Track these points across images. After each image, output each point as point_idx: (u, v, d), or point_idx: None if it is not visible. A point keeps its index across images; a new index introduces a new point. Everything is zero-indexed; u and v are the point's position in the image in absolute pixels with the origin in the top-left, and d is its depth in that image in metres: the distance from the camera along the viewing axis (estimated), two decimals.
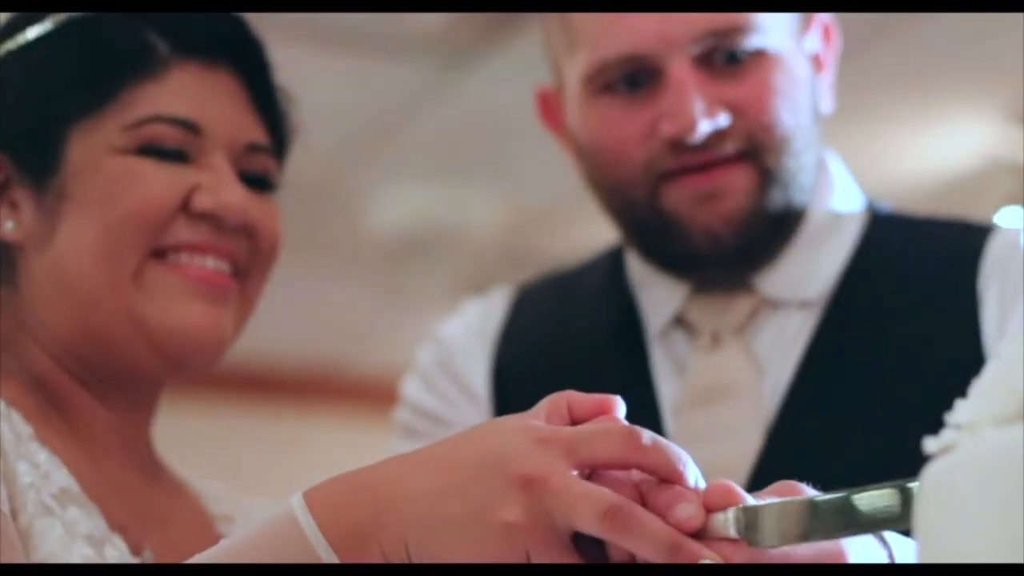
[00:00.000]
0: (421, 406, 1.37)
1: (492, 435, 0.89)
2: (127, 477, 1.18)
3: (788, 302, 1.31)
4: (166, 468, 1.26)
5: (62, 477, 1.08)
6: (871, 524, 0.85)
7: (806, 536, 0.85)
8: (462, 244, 4.91)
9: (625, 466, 0.88)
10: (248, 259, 1.19)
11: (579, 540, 0.87)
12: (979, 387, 0.69)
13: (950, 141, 4.38)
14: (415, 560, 0.88)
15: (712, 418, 1.28)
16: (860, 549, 0.89)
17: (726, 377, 1.29)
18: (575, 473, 0.86)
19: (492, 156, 4.41)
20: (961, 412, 0.69)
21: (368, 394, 4.48)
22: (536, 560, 0.86)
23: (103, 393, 1.17)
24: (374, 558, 0.88)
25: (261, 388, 5.09)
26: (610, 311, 1.37)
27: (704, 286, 1.34)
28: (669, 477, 0.88)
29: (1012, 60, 3.52)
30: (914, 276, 1.31)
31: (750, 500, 0.87)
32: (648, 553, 0.85)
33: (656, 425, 1.28)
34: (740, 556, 0.84)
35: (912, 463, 1.15)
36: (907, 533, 0.88)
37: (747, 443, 1.26)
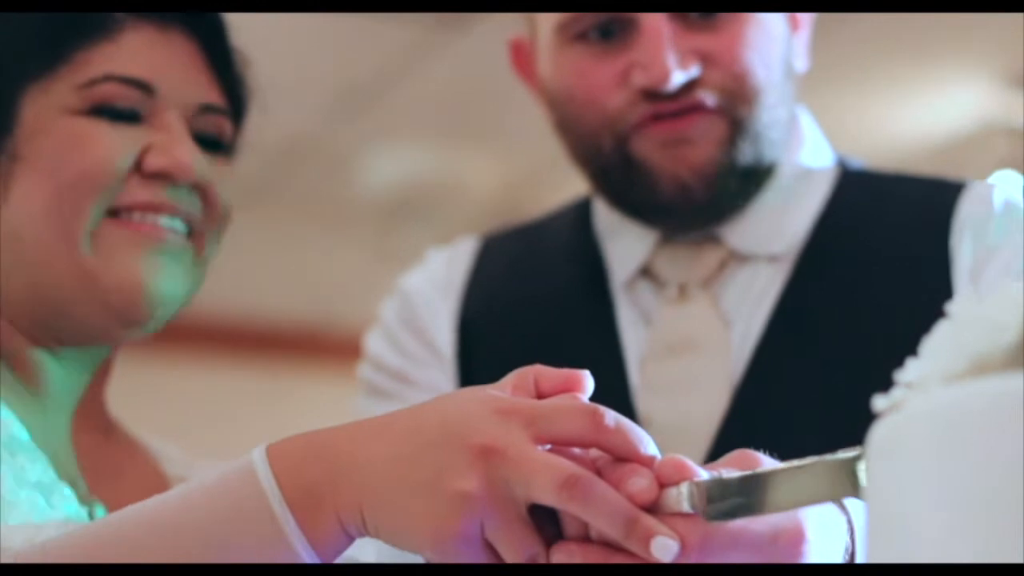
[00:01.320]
0: (385, 363, 1.36)
1: (453, 405, 0.89)
2: (80, 434, 1.19)
3: (756, 256, 1.30)
4: (121, 428, 1.27)
5: (12, 425, 1.08)
6: (823, 495, 0.85)
7: (758, 509, 0.84)
8: (454, 203, 4.90)
9: (586, 444, 0.88)
10: (201, 220, 1.19)
11: (534, 514, 0.87)
12: (929, 346, 0.69)
13: (944, 104, 4.37)
14: (369, 525, 0.88)
15: (678, 371, 1.28)
16: (818, 517, 0.89)
17: (693, 330, 1.28)
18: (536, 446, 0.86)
19: (485, 115, 4.40)
20: (910, 371, 0.69)
21: (357, 352, 4.49)
22: (489, 531, 0.86)
23: (57, 352, 1.18)
24: (328, 519, 0.88)
25: (251, 345, 5.09)
26: (576, 262, 1.36)
27: (671, 237, 1.33)
28: (629, 459, 0.87)
29: (1007, 22, 3.51)
30: (885, 232, 1.31)
31: (703, 474, 0.86)
32: (604, 525, 0.85)
33: (621, 377, 1.28)
34: (694, 532, 0.84)
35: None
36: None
37: (714, 397, 1.25)
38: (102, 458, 1.20)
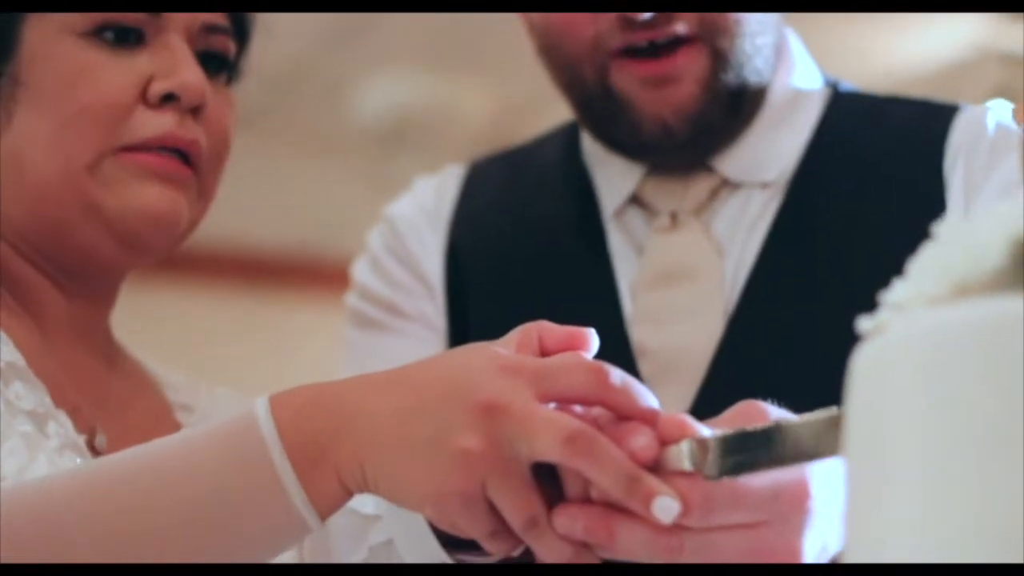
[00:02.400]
0: (373, 293, 1.36)
1: (458, 361, 0.89)
2: (83, 362, 1.19)
3: (748, 183, 1.30)
4: (126, 355, 1.27)
5: (8, 352, 1.08)
6: (825, 452, 0.85)
7: (760, 465, 0.84)
8: (449, 131, 4.88)
9: (590, 402, 0.88)
10: (206, 148, 1.19)
11: (535, 476, 0.87)
12: (913, 268, 0.70)
13: (938, 31, 4.35)
14: (369, 481, 0.88)
15: (672, 300, 1.27)
16: (824, 473, 0.88)
17: (685, 258, 1.28)
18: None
19: (481, 43, 4.38)
20: (895, 292, 0.70)
21: (349, 281, 4.48)
22: (491, 490, 0.85)
23: (60, 280, 1.18)
24: (328, 473, 0.88)
25: (243, 273, 5.09)
26: (565, 190, 1.35)
27: (660, 167, 1.33)
28: (632, 417, 0.87)
29: None
30: (878, 156, 1.30)
31: (704, 431, 0.86)
32: (607, 483, 0.84)
33: (614, 306, 1.28)
34: (696, 491, 0.84)
35: None
36: None
37: (708, 326, 1.25)
38: (105, 386, 1.20)
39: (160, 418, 1.23)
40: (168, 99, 1.16)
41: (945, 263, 0.67)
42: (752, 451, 0.84)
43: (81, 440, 1.10)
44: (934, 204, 1.24)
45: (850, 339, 1.18)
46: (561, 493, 0.88)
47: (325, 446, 0.88)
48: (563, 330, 0.93)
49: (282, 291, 5.13)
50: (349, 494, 0.90)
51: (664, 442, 0.86)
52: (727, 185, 1.30)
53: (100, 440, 1.14)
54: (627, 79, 1.27)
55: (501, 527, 0.87)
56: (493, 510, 0.87)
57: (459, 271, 1.35)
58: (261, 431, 0.88)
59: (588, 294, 1.29)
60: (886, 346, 0.67)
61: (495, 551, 0.92)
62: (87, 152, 1.13)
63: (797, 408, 1.19)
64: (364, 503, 1.07)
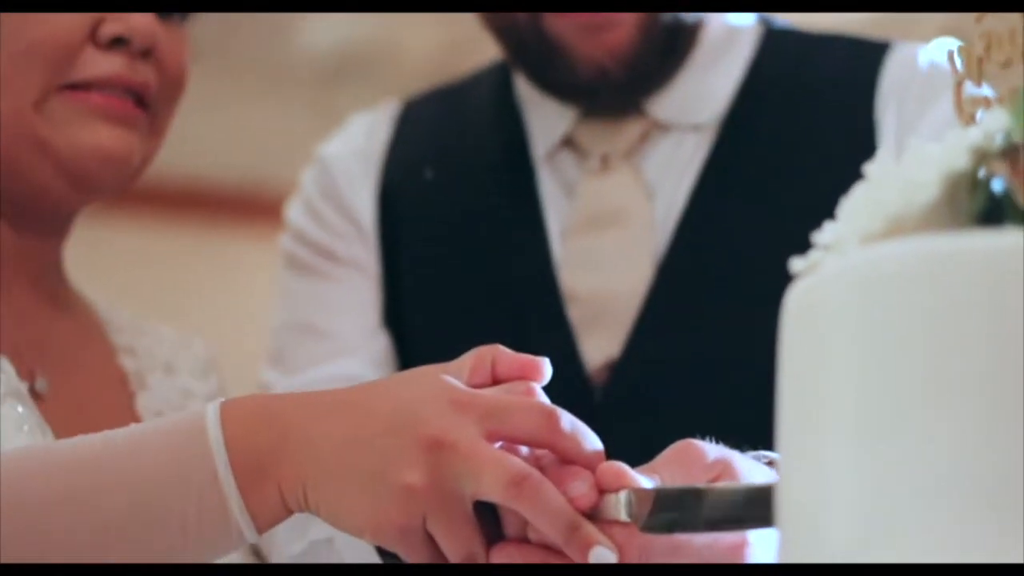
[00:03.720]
0: (306, 236, 1.33)
1: (409, 390, 0.88)
2: (29, 304, 1.17)
3: (680, 125, 1.28)
4: (75, 295, 1.25)
5: None
6: (764, 520, 0.83)
7: (694, 526, 0.85)
8: (394, 64, 4.85)
9: (538, 445, 0.88)
10: (156, 91, 1.17)
11: (475, 510, 0.87)
12: (846, 207, 0.69)
13: None
14: (310, 503, 0.88)
15: (601, 244, 1.25)
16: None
17: (615, 202, 1.26)
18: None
19: None
20: (828, 232, 0.69)
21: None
22: (431, 525, 0.86)
23: (10, 219, 1.16)
24: (270, 490, 0.88)
25: (186, 206, 5.05)
26: (497, 131, 1.33)
27: (593, 110, 1.30)
28: (580, 463, 0.87)
29: None
30: (809, 97, 1.28)
31: (643, 482, 0.86)
32: (546, 528, 0.85)
33: (543, 251, 1.26)
34: (633, 541, 0.85)
35: None
36: None
37: (638, 270, 1.23)
38: (49, 328, 1.18)
39: (103, 363, 1.22)
40: (118, 42, 1.14)
41: (879, 201, 0.67)
42: (686, 511, 0.84)
43: (24, 388, 1.09)
44: (866, 144, 1.23)
45: (781, 281, 1.18)
46: (500, 529, 0.88)
47: (269, 464, 0.88)
48: (517, 358, 0.92)
49: (226, 224, 5.09)
50: (289, 511, 0.90)
51: (602, 490, 0.86)
52: (659, 127, 1.28)
53: (41, 384, 1.12)
54: (562, 24, 1.24)
55: (439, 557, 0.88)
56: (432, 541, 0.87)
57: (391, 214, 1.32)
58: (209, 441, 0.88)
59: (517, 238, 1.28)
60: (820, 284, 0.67)
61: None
62: (33, 88, 1.12)
63: (731, 361, 1.19)
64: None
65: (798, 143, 1.25)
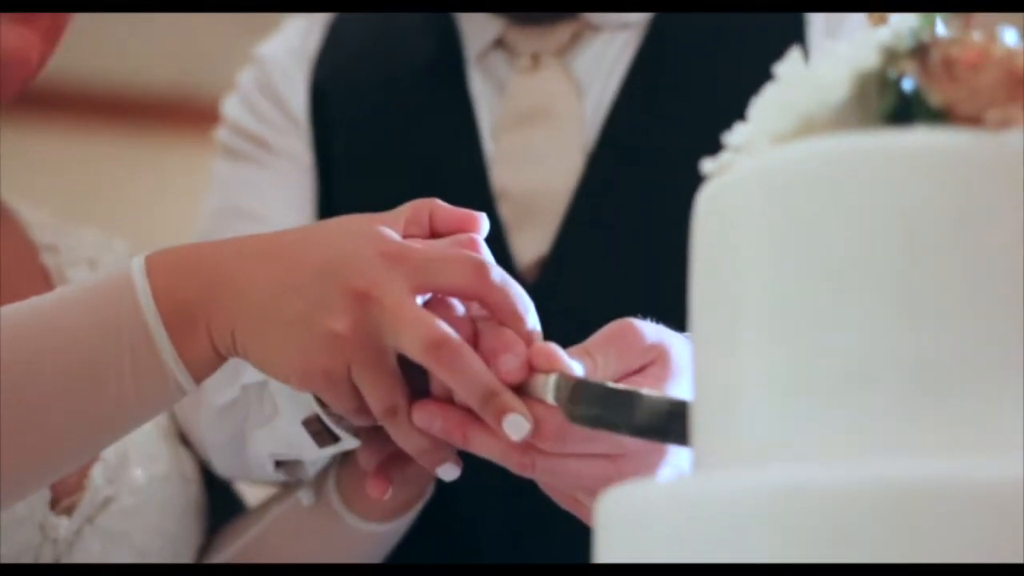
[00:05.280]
0: (243, 128, 1.33)
1: (340, 238, 0.88)
2: None
3: (610, 24, 1.27)
4: None
5: None
6: (685, 438, 0.83)
7: (618, 429, 0.85)
8: None
9: (468, 297, 0.88)
10: None
11: (404, 366, 0.88)
12: (756, 108, 0.69)
13: None
14: (239, 348, 0.88)
15: (532, 140, 1.25)
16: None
17: (545, 98, 1.25)
18: (416, 297, 0.86)
19: None
20: (738, 133, 0.69)
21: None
22: (356, 372, 0.86)
23: None
24: (201, 338, 0.88)
25: (114, 112, 4.99)
26: (430, 32, 1.32)
27: (526, 17, 1.29)
28: (508, 319, 0.88)
29: None
30: None
31: (576, 368, 0.86)
32: (463, 392, 0.86)
33: (475, 148, 1.26)
34: (552, 420, 0.85)
35: None
36: None
37: (568, 166, 1.23)
38: None
39: (25, 262, 1.20)
40: None
41: (789, 102, 0.67)
42: (611, 411, 0.84)
43: None
44: (794, 43, 1.22)
45: (704, 178, 1.18)
46: (427, 386, 0.89)
47: (198, 312, 0.88)
48: (454, 211, 0.93)
49: (155, 130, 5.04)
50: (222, 358, 0.90)
51: (533, 369, 0.86)
52: (589, 27, 1.28)
53: None
54: None
55: (364, 407, 0.89)
56: (357, 391, 0.88)
57: (324, 110, 1.32)
58: (136, 295, 0.88)
59: (449, 135, 1.27)
60: (730, 185, 0.67)
61: (360, 424, 0.93)
62: None
63: (663, 252, 1.19)
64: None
65: (726, 41, 1.25)
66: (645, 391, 0.85)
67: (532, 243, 1.22)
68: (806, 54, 1.20)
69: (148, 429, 1.14)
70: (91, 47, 4.19)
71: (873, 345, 0.62)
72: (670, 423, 0.83)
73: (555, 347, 0.87)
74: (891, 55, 0.66)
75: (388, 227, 0.89)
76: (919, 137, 0.63)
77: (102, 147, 4.90)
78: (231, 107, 1.36)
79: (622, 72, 1.25)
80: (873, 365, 0.62)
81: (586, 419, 0.84)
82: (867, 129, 0.65)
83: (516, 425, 0.85)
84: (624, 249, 1.21)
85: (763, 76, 1.23)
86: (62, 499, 1.08)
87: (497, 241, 1.20)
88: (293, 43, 1.37)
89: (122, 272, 0.89)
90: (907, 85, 0.66)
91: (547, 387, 0.85)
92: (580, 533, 1.19)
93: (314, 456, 1.05)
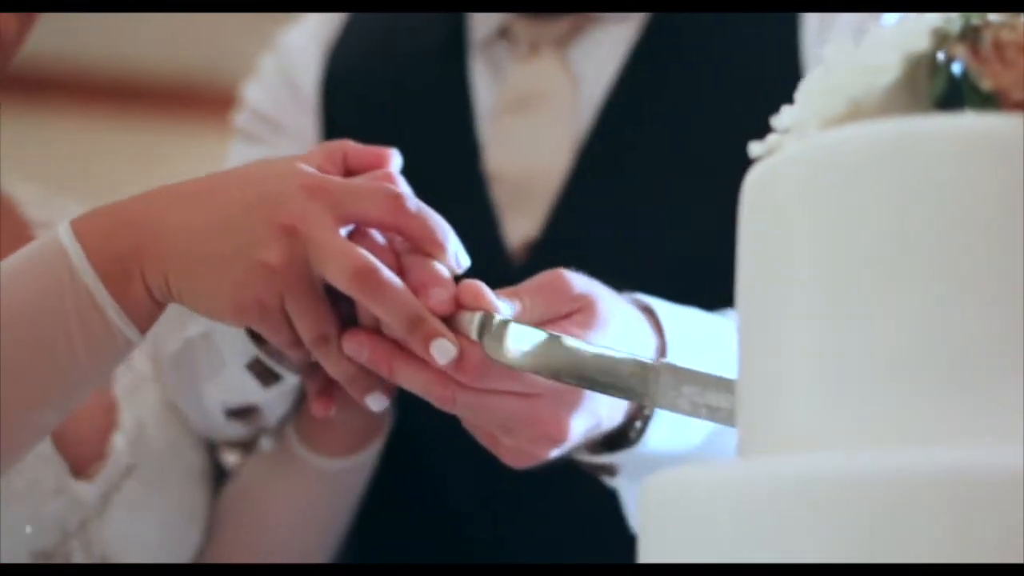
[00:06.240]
0: (259, 110, 1.35)
1: (262, 177, 0.91)
2: None
3: (610, 16, 1.27)
4: None
5: None
6: (603, 386, 0.88)
7: (537, 371, 0.87)
8: None
9: (387, 227, 0.91)
10: None
11: (334, 298, 0.90)
12: (803, 91, 0.69)
13: None
14: (174, 291, 0.90)
15: (525, 125, 1.26)
16: (622, 335, 0.91)
17: (541, 85, 1.27)
18: (340, 229, 0.89)
19: None
20: (785, 116, 0.69)
21: (231, 108, 4.39)
22: (288, 302, 0.89)
23: None
24: (137, 287, 0.90)
25: (125, 99, 4.99)
26: (438, 20, 1.34)
27: (530, 11, 1.30)
28: (428, 247, 0.90)
29: None
30: None
31: (503, 307, 0.88)
32: (391, 319, 0.88)
33: (470, 132, 1.27)
34: (474, 353, 0.87)
35: (721, 174, 1.17)
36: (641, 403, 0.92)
37: (559, 151, 1.24)
38: None
39: (19, 240, 1.19)
40: None
41: (838, 84, 0.66)
42: (531, 352, 0.87)
43: None
44: (786, 39, 1.23)
45: (693, 166, 1.18)
46: (355, 316, 0.91)
47: (130, 263, 0.90)
48: (367, 150, 0.96)
49: (165, 117, 5.04)
50: (160, 305, 0.92)
51: (460, 306, 0.88)
52: (590, 19, 1.29)
53: None
54: None
55: (296, 339, 0.91)
56: (290, 322, 0.90)
57: (335, 93, 1.34)
58: (69, 258, 0.90)
59: (445, 118, 1.29)
60: (779, 166, 0.67)
61: (295, 359, 0.95)
62: None
63: (640, 236, 1.21)
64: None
65: (720, 37, 1.26)
66: (566, 337, 0.87)
67: (523, 226, 1.23)
68: (798, 53, 1.23)
69: (160, 399, 1.16)
70: (100, 33, 4.19)
71: (921, 332, 0.62)
72: (586, 370, 0.87)
73: (482, 285, 0.89)
74: (941, 38, 0.65)
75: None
76: (968, 122, 0.63)
77: (111, 134, 4.89)
78: (250, 92, 1.38)
79: (618, 63, 1.26)
80: (920, 352, 0.62)
81: (506, 358, 0.86)
82: (916, 113, 0.65)
83: (443, 349, 0.87)
84: (613, 233, 1.23)
85: (755, 73, 1.24)
86: (85, 467, 1.08)
87: (489, 223, 1.23)
88: (313, 31, 1.40)
89: (52, 239, 0.91)
90: (957, 69, 0.65)
91: (472, 324, 0.87)
92: (562, 515, 1.22)
93: (261, 398, 1.07)
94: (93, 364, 0.92)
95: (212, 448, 1.21)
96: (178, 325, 1.09)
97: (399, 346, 0.89)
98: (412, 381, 0.90)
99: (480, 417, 0.92)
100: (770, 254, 0.67)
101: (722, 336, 0.95)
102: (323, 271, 0.87)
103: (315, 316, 0.89)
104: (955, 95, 0.65)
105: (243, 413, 1.12)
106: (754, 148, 0.69)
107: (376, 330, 0.90)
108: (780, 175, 0.67)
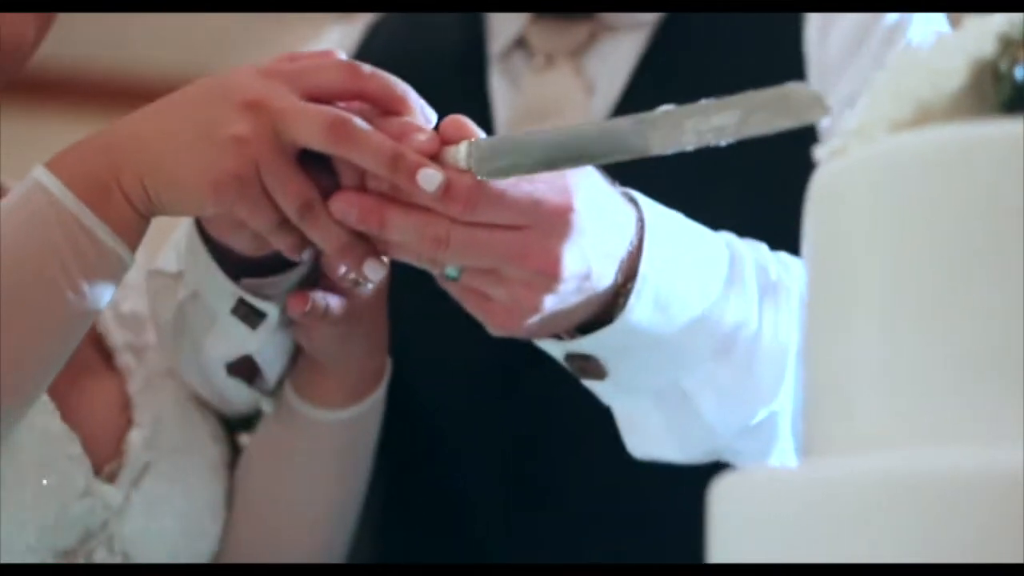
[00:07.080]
0: None
1: (219, 78, 0.94)
2: None
3: (624, 24, 1.29)
4: None
5: None
6: (602, 155, 0.90)
7: (527, 168, 0.88)
8: None
9: (347, 96, 0.93)
10: None
11: (310, 167, 0.91)
12: (869, 95, 0.69)
13: None
14: (152, 196, 0.93)
15: None
16: (593, 198, 0.93)
17: (555, 96, 1.28)
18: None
19: None
20: (852, 118, 0.69)
21: None
22: (264, 172, 0.90)
23: None
24: (118, 202, 0.93)
25: (122, 98, 4.98)
26: (456, 32, 1.36)
27: (547, 12, 1.31)
28: (393, 106, 0.93)
29: None
30: None
31: (482, 135, 0.91)
32: (372, 164, 0.89)
33: None
34: (462, 182, 0.89)
35: (735, 181, 1.17)
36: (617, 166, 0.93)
37: None
38: None
39: None
40: None
41: (905, 88, 0.67)
42: (521, 154, 0.88)
43: None
44: (791, 44, 1.25)
45: (704, 173, 1.19)
46: (335, 177, 0.92)
47: (107, 180, 0.93)
48: (311, 52, 0.99)
49: None
50: (145, 217, 0.95)
51: (445, 142, 0.90)
52: (605, 28, 1.30)
53: None
54: None
55: (284, 218, 0.92)
56: (271, 199, 0.91)
57: None
58: (50, 192, 0.92)
59: None
60: (847, 170, 0.67)
61: (286, 250, 0.95)
62: None
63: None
64: (168, 262, 1.11)
65: (727, 42, 1.27)
66: (548, 128, 0.91)
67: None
68: (801, 59, 1.24)
69: (175, 395, 1.17)
70: (99, 33, 4.18)
71: (987, 333, 0.62)
72: (582, 143, 0.88)
73: (463, 117, 0.92)
74: (1006, 44, 0.66)
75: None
76: None
77: None
78: None
79: (629, 71, 1.27)
80: (987, 353, 0.62)
81: (501, 170, 0.88)
82: (983, 118, 0.65)
83: (429, 178, 0.88)
84: None
85: (763, 77, 1.25)
86: (102, 466, 1.08)
87: None
88: (334, 45, 1.40)
89: (30, 182, 0.94)
90: (1019, 74, 0.66)
91: (458, 154, 0.89)
92: (574, 507, 1.22)
93: (254, 345, 1.08)
94: (90, 290, 0.94)
95: (230, 439, 1.21)
96: (170, 295, 1.10)
97: (386, 197, 0.90)
98: (404, 227, 0.90)
99: (472, 257, 0.92)
100: (838, 256, 0.67)
101: (700, 231, 1.00)
102: (295, 136, 0.89)
103: (295, 184, 0.91)
104: (1020, 100, 0.65)
105: (241, 368, 1.12)
106: (819, 151, 0.69)
107: (361, 188, 0.91)
108: (846, 178, 0.67)
